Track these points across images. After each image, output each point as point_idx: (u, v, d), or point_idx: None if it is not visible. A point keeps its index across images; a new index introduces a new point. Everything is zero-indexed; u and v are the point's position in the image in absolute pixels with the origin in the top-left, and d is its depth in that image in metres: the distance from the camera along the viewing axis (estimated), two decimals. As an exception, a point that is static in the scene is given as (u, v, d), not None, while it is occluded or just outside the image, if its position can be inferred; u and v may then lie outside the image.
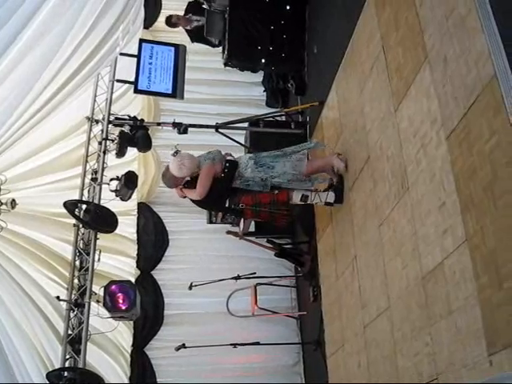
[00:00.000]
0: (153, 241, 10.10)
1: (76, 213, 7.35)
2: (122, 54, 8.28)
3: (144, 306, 8.59)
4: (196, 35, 9.67)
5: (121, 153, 7.90)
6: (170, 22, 9.71)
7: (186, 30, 9.77)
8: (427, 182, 4.57)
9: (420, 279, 4.66)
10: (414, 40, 4.90)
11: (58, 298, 7.45)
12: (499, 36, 3.70)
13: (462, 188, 4.01)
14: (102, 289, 7.08)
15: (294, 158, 6.65)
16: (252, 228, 8.91)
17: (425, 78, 4.66)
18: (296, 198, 6.70)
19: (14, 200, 8.11)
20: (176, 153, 6.39)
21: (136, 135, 7.94)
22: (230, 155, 6.72)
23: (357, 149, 6.36)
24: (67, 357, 7.17)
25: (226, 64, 9.45)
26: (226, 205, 6.74)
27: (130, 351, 9.44)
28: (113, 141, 8.05)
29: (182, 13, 9.71)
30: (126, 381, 9.24)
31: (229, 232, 8.87)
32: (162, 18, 10.22)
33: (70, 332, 7.26)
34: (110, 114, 8.31)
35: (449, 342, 4.17)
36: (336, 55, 7.22)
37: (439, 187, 4.35)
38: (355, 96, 6.49)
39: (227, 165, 6.50)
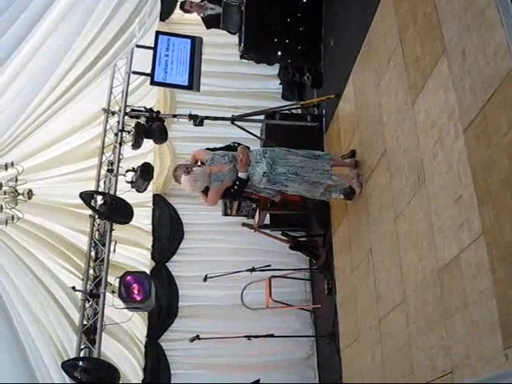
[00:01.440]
0: (168, 233, 10.13)
1: (92, 204, 7.37)
2: (138, 45, 8.30)
3: (159, 297, 8.60)
4: (211, 22, 9.66)
5: (137, 144, 7.91)
6: (184, 7, 9.73)
7: (201, 17, 9.78)
8: (444, 174, 4.55)
9: (436, 272, 4.65)
10: (431, 33, 4.87)
11: (73, 288, 7.47)
12: (518, 29, 3.68)
13: (479, 181, 3.99)
14: (118, 280, 7.10)
15: (310, 180, 6.47)
16: (267, 220, 8.93)
17: (442, 70, 4.64)
18: None
19: (30, 190, 8.16)
20: (188, 171, 6.31)
21: (152, 127, 7.95)
22: (248, 148, 6.62)
23: (373, 141, 6.35)
24: (82, 347, 7.19)
25: (242, 56, 9.43)
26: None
27: (144, 342, 9.49)
28: (129, 132, 8.06)
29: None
30: (140, 371, 9.29)
31: (244, 224, 8.88)
32: (178, 10, 10.21)
33: (85, 322, 7.28)
34: (126, 106, 8.31)
35: (464, 335, 4.16)
36: (353, 48, 7.20)
37: (456, 180, 4.33)
38: (372, 89, 6.47)
39: (237, 183, 6.39)
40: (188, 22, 10.66)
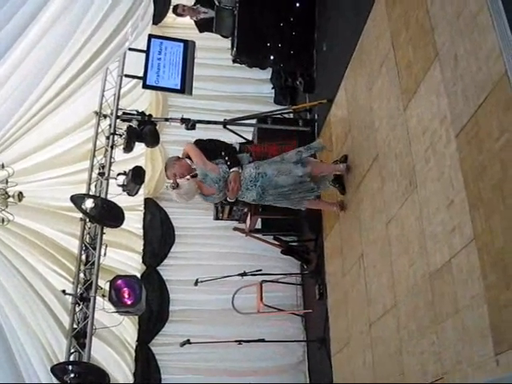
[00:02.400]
0: (159, 236, 10.11)
1: (83, 207, 7.34)
2: (130, 49, 8.29)
3: (149, 301, 8.60)
4: (204, 26, 9.66)
5: (128, 148, 7.90)
6: (176, 11, 9.73)
7: (194, 21, 9.78)
8: (436, 180, 4.55)
9: (427, 277, 4.64)
10: (424, 38, 4.88)
11: (63, 291, 7.45)
12: (510, 33, 3.67)
13: (471, 186, 3.99)
14: (108, 283, 7.08)
15: (296, 199, 6.65)
16: (258, 225, 8.93)
17: (435, 75, 4.64)
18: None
19: (21, 193, 8.12)
20: (174, 187, 6.35)
21: (144, 130, 7.94)
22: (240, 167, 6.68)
23: (365, 146, 6.35)
24: (72, 351, 7.17)
25: (234, 60, 9.42)
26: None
27: (134, 346, 9.46)
28: (120, 136, 8.05)
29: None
30: (130, 375, 9.25)
31: (235, 228, 8.88)
32: (171, 14, 10.21)
33: (75, 326, 7.26)
34: (118, 109, 8.31)
35: (455, 340, 4.15)
36: (345, 53, 7.20)
37: (448, 185, 4.33)
38: (364, 94, 6.48)
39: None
40: (181, 25, 10.67)
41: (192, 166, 6.46)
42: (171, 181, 6.49)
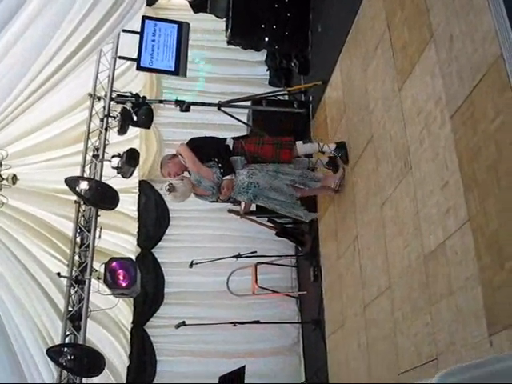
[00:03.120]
0: (154, 219, 10.10)
1: (77, 189, 7.32)
2: (124, 30, 8.23)
3: (144, 283, 8.61)
4: (198, 6, 9.60)
5: (122, 130, 7.87)
6: None
7: (189, 2, 9.71)
8: (430, 161, 4.55)
9: (422, 259, 4.65)
10: (419, 19, 4.85)
11: (58, 274, 7.45)
12: (506, 15, 3.65)
13: (466, 168, 3.98)
14: (103, 266, 7.08)
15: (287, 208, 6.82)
16: (253, 207, 8.91)
17: (430, 57, 4.62)
18: (299, 147, 6.89)
19: (15, 175, 8.11)
20: (169, 189, 6.53)
21: (140, 110, 7.90)
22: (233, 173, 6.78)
23: (360, 128, 6.34)
24: (67, 333, 7.19)
25: (229, 42, 9.38)
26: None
27: (129, 328, 9.48)
28: (115, 118, 8.02)
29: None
30: (126, 357, 9.28)
31: (230, 211, 8.87)
32: (165, -5, 10.16)
33: (70, 308, 7.28)
34: (112, 91, 8.27)
35: (449, 322, 4.16)
36: (340, 34, 7.17)
37: (442, 167, 4.33)
38: (359, 75, 6.45)
39: None
40: (175, 7, 10.60)
41: (186, 165, 6.66)
42: (167, 180, 6.73)
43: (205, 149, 6.71)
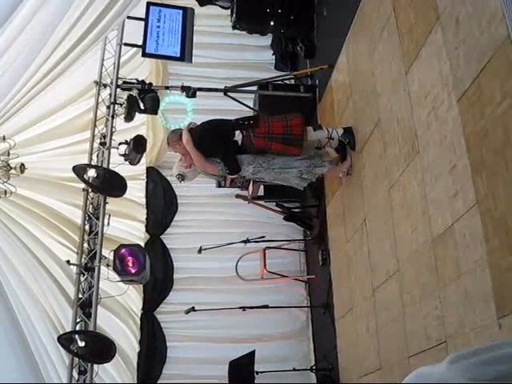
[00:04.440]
0: (162, 205, 10.12)
1: (85, 177, 7.34)
2: (129, 17, 8.20)
3: (153, 270, 8.62)
4: (203, 0, 9.57)
5: (129, 117, 7.87)
6: None
7: None
8: (438, 144, 4.54)
9: (430, 242, 4.65)
10: (425, 1, 4.82)
11: (68, 262, 7.49)
12: (513, -4, 3.64)
13: (473, 151, 3.98)
14: (112, 253, 7.11)
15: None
16: (261, 192, 8.93)
17: (436, 39, 4.60)
18: (310, 133, 6.84)
19: (23, 164, 8.12)
20: (180, 179, 6.99)
21: (146, 97, 7.89)
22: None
23: (367, 112, 6.32)
24: (78, 320, 7.23)
25: (234, 27, 9.35)
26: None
27: (139, 315, 9.52)
28: (121, 105, 8.02)
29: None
30: (136, 344, 9.33)
31: (238, 196, 8.89)
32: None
33: (80, 296, 7.31)
34: (118, 78, 8.26)
35: (458, 305, 4.17)
36: (346, 18, 7.13)
37: (450, 150, 4.32)
38: (365, 59, 6.43)
39: None
40: (179, -8, 10.56)
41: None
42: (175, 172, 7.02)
43: (211, 144, 6.71)
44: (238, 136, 6.64)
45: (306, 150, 6.76)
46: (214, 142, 6.71)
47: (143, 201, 10.05)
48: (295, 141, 6.67)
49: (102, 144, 8.01)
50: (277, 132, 6.62)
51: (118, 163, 7.83)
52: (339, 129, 6.87)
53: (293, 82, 9.48)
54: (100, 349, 6.92)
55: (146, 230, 9.92)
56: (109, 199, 7.71)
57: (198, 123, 6.98)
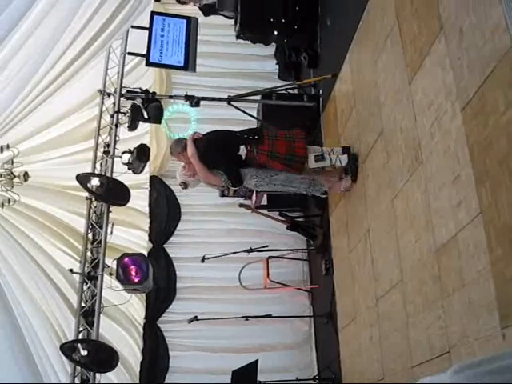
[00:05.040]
0: (165, 214, 10.13)
1: (88, 186, 7.35)
2: (133, 26, 8.23)
3: (156, 279, 8.63)
4: (208, 10, 9.62)
5: (133, 126, 7.89)
6: None
7: (199, 8, 9.74)
8: (441, 154, 4.54)
9: (433, 252, 4.64)
10: (429, 11, 4.83)
11: (71, 270, 7.49)
12: (517, 6, 3.64)
13: (477, 161, 3.97)
14: (115, 261, 7.11)
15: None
16: (264, 201, 8.93)
17: (440, 49, 4.61)
18: (311, 162, 6.78)
19: (26, 173, 8.13)
20: (183, 187, 7.12)
21: (149, 106, 7.91)
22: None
23: (370, 121, 6.32)
24: (81, 329, 7.22)
25: (238, 36, 9.38)
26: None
27: (142, 324, 9.51)
28: (125, 114, 8.03)
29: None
30: (139, 353, 9.32)
31: (241, 205, 8.89)
32: (173, -10, 10.16)
33: (83, 304, 7.31)
34: (121, 87, 8.28)
35: (461, 314, 4.16)
36: (349, 27, 7.15)
37: (454, 160, 4.32)
38: (369, 68, 6.44)
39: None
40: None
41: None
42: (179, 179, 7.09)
43: (215, 157, 6.76)
44: (243, 151, 6.67)
45: (306, 172, 6.80)
46: (218, 155, 6.74)
47: (146, 210, 10.06)
48: (296, 163, 6.70)
49: (106, 153, 8.02)
50: (280, 151, 6.65)
51: (121, 172, 7.83)
52: (342, 156, 6.85)
53: (296, 91, 9.51)
54: (102, 358, 6.90)
55: (149, 239, 9.92)
56: (112, 208, 7.71)
57: (202, 133, 7.01)
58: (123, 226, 9.42)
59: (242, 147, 6.71)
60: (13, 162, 8.05)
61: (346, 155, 6.82)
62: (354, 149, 6.84)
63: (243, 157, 6.70)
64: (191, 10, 9.91)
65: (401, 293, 5.34)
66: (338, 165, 6.82)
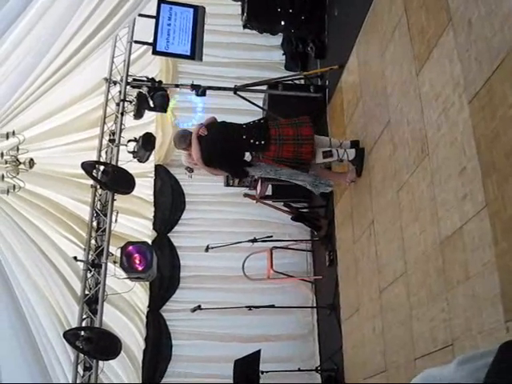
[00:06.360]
0: (170, 203, 10.12)
1: (94, 174, 7.36)
2: (140, 14, 8.21)
3: (160, 267, 8.64)
4: None
5: (139, 114, 7.89)
6: None
7: None
8: (448, 146, 4.52)
9: (438, 244, 4.63)
10: (437, 3, 4.81)
11: (75, 258, 7.51)
12: (526, -2, 3.62)
13: (484, 153, 3.95)
14: (119, 250, 7.12)
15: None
16: (269, 191, 8.92)
17: (448, 41, 4.58)
18: (319, 158, 6.71)
19: (32, 160, 8.15)
20: (189, 171, 7.20)
21: (155, 95, 7.90)
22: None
23: (377, 112, 6.30)
24: (84, 316, 7.25)
25: (244, 26, 9.36)
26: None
27: (145, 312, 9.53)
28: (131, 102, 8.03)
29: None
30: (142, 341, 9.34)
31: (246, 195, 8.89)
32: (181, -21, 10.12)
33: (86, 292, 7.33)
34: (127, 76, 8.28)
35: (465, 307, 4.15)
36: (357, 18, 7.12)
37: (460, 152, 4.30)
38: (376, 59, 6.41)
39: None
40: (191, -10, 10.56)
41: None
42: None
43: (220, 161, 6.76)
44: (248, 157, 6.63)
45: (313, 168, 6.78)
46: (223, 160, 6.72)
47: (151, 198, 10.06)
48: (303, 165, 6.69)
49: (111, 141, 8.03)
50: (286, 156, 6.58)
51: (126, 160, 7.85)
52: (350, 150, 6.78)
53: (303, 82, 9.48)
54: (105, 345, 6.93)
55: (154, 228, 9.93)
56: (117, 196, 7.72)
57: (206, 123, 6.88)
58: (128, 215, 9.43)
59: (248, 154, 6.65)
60: (18, 149, 8.06)
61: (353, 149, 6.76)
62: (361, 141, 6.82)
63: (248, 161, 6.69)
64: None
65: (404, 285, 5.33)
66: (345, 159, 6.79)
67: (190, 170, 7.03)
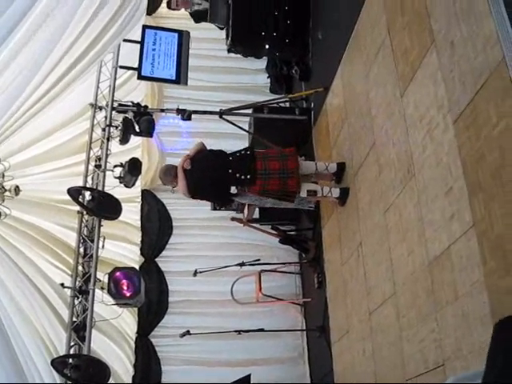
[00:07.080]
0: (157, 228, 10.09)
1: (80, 200, 7.33)
2: (125, 40, 8.25)
3: (148, 293, 8.59)
4: (198, 16, 9.66)
5: (124, 139, 7.88)
6: (170, 6, 9.76)
7: (189, 13, 9.78)
8: (434, 167, 4.54)
9: (426, 265, 4.63)
10: (420, 24, 4.85)
11: (62, 285, 7.45)
12: (508, 19, 3.65)
13: (470, 173, 3.97)
14: (107, 276, 7.08)
15: None
16: (256, 215, 8.91)
17: (431, 62, 4.62)
18: (303, 192, 6.79)
19: (17, 187, 8.11)
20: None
21: (141, 119, 7.90)
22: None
23: (362, 134, 6.33)
24: (72, 344, 7.18)
25: (229, 50, 9.40)
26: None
27: (134, 338, 9.46)
28: (116, 127, 8.03)
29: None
30: (131, 367, 9.26)
31: (233, 218, 8.86)
32: (165, 4, 10.19)
33: (74, 319, 7.27)
34: (113, 101, 8.28)
35: (455, 327, 4.15)
36: (341, 41, 7.17)
37: (446, 172, 4.32)
38: (360, 81, 6.45)
39: None
40: (175, 15, 10.62)
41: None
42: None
43: (206, 194, 6.99)
44: (234, 190, 6.65)
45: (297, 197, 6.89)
46: (208, 192, 6.89)
47: (138, 223, 10.03)
48: (288, 197, 6.73)
49: (97, 166, 8.01)
50: (272, 189, 6.65)
51: (113, 186, 7.83)
52: (335, 189, 6.88)
53: (288, 104, 9.52)
54: (94, 373, 6.86)
55: (141, 253, 9.88)
56: (104, 222, 7.69)
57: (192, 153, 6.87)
58: (115, 240, 9.38)
59: (233, 187, 6.66)
60: (4, 176, 8.02)
61: (338, 189, 6.86)
62: (347, 163, 6.84)
63: (233, 192, 6.73)
64: (182, 23, 9.94)
65: (394, 306, 5.32)
66: (330, 196, 6.89)
67: (174, 186, 7.01)
